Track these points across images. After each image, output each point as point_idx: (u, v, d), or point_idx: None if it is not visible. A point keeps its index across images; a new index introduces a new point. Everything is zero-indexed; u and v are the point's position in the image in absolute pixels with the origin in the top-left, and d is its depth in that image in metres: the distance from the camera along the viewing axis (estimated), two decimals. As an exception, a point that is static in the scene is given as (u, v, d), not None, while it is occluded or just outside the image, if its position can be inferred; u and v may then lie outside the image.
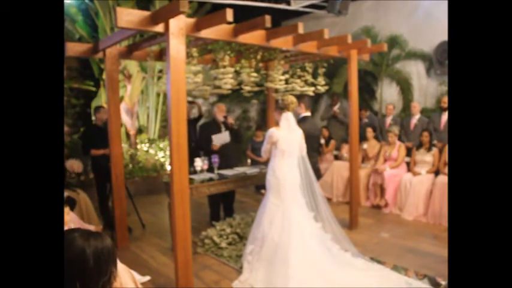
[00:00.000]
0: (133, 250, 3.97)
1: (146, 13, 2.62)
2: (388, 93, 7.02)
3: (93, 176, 5.26)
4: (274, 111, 3.45)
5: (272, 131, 3.28)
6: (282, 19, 7.95)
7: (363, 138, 5.58)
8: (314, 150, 4.04)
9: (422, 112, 5.80)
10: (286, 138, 3.26)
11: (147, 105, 7.69)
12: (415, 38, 6.52)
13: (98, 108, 4.79)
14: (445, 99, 5.42)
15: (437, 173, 4.94)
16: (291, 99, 3.35)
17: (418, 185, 4.87)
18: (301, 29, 3.15)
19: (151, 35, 3.55)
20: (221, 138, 4.46)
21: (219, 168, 4.22)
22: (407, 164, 5.37)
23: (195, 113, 6.02)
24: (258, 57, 3.98)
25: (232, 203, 4.79)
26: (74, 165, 5.14)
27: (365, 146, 5.71)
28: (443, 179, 4.68)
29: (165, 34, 2.69)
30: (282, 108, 3.34)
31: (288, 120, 3.31)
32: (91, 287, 1.13)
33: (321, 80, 4.50)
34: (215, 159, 4.14)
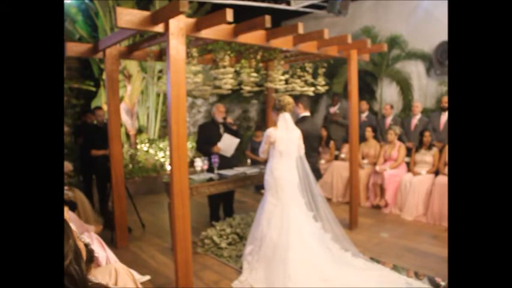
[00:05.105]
0: (133, 250, 3.97)
1: (146, 13, 2.62)
2: (388, 93, 7.02)
3: (83, 178, 5.30)
4: (272, 112, 3.46)
5: (270, 131, 3.28)
6: (282, 19, 7.95)
7: (362, 138, 5.58)
8: (314, 150, 4.04)
9: (422, 112, 5.80)
10: (284, 138, 3.25)
11: (147, 106, 7.69)
12: (415, 38, 6.52)
13: (93, 109, 4.86)
14: (446, 98, 5.42)
15: (437, 173, 4.94)
16: (288, 99, 3.35)
17: (418, 185, 4.87)
18: (301, 29, 3.15)
19: (151, 35, 3.55)
20: (228, 144, 4.43)
21: (219, 168, 4.22)
22: (407, 164, 5.37)
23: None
24: (258, 57, 3.98)
25: (232, 203, 4.79)
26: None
27: (366, 161, 5.70)
28: (443, 179, 4.68)
29: (165, 34, 2.69)
30: (279, 109, 3.34)
31: (285, 120, 3.31)
32: None
33: (321, 80, 4.50)
34: (215, 159, 4.14)
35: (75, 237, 1.46)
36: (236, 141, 4.48)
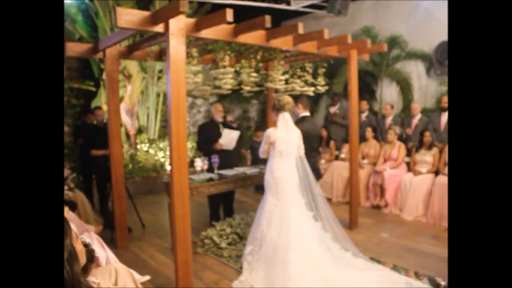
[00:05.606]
0: (133, 250, 3.97)
1: (146, 13, 2.62)
2: (388, 93, 7.02)
3: (83, 178, 5.30)
4: (272, 112, 3.46)
5: (270, 132, 3.28)
6: (282, 19, 7.95)
7: (362, 138, 5.58)
8: (314, 150, 4.04)
9: (422, 112, 5.80)
10: (284, 138, 3.25)
11: (147, 105, 7.69)
12: (415, 38, 6.52)
13: (93, 109, 4.90)
14: (446, 99, 5.42)
15: (437, 173, 4.94)
16: (287, 99, 3.35)
17: (418, 185, 4.87)
18: (301, 29, 3.15)
19: (151, 35, 3.55)
20: (228, 138, 4.43)
21: (219, 168, 4.22)
22: (407, 164, 5.37)
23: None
24: (258, 57, 3.98)
25: (232, 203, 4.79)
26: None
27: (366, 161, 5.70)
28: (443, 179, 4.68)
29: (165, 34, 2.69)
30: (279, 108, 3.34)
31: (285, 120, 3.31)
32: None
33: (321, 80, 4.50)
34: (215, 159, 4.14)
35: (73, 238, 1.45)
36: (236, 133, 4.48)
